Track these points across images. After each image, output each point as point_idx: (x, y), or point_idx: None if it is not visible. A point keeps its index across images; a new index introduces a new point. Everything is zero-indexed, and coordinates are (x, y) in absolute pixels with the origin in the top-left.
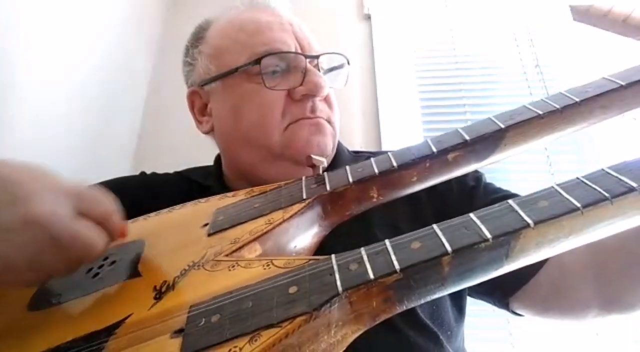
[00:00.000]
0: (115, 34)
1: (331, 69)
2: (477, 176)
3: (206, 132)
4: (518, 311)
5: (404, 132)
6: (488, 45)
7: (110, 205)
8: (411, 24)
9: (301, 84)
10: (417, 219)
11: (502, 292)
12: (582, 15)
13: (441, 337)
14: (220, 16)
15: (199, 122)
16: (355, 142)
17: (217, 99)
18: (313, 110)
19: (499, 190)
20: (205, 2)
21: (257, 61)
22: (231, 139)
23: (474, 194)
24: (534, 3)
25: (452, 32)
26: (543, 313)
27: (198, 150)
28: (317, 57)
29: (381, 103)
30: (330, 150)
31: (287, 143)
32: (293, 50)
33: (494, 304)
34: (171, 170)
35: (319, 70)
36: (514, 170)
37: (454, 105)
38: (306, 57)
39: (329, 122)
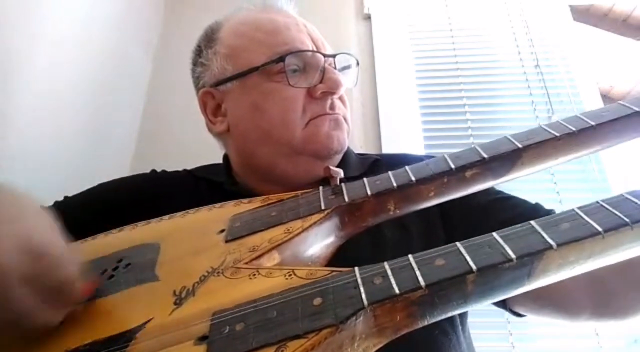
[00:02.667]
0: (115, 34)
1: (340, 69)
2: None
3: (220, 133)
4: (514, 309)
5: (403, 132)
6: (488, 45)
7: (67, 276)
8: (411, 24)
9: (321, 82)
10: (425, 219)
11: None
12: (582, 15)
13: (447, 326)
14: (231, 17)
15: (212, 123)
16: (356, 142)
17: (235, 98)
18: (332, 107)
19: (499, 192)
20: (204, 3)
21: (281, 59)
22: (250, 137)
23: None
24: (534, 3)
25: (452, 31)
26: (538, 311)
27: (198, 150)
28: (334, 56)
29: (381, 103)
30: (346, 146)
31: (308, 138)
32: (311, 49)
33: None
34: (171, 170)
35: (335, 68)
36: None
37: (454, 106)
38: (324, 56)
39: (345, 119)
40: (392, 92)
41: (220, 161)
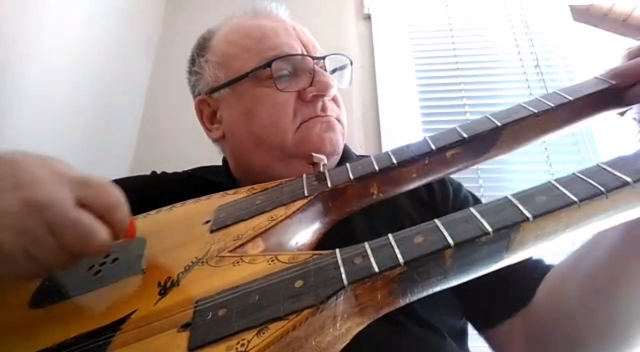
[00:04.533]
0: (115, 35)
1: (334, 70)
2: (467, 195)
3: (217, 139)
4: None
5: (403, 132)
6: (488, 45)
7: (116, 197)
8: (411, 24)
9: (311, 85)
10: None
11: (481, 322)
12: (582, 15)
13: (443, 331)
14: (223, 25)
15: (208, 130)
16: (356, 142)
17: (228, 105)
18: (324, 109)
19: None
20: (204, 4)
21: (268, 65)
22: (244, 143)
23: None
24: (534, 3)
25: (452, 32)
26: None
27: (197, 151)
28: (324, 58)
29: (381, 103)
30: (341, 147)
31: (300, 141)
32: (300, 52)
33: (476, 329)
34: (171, 172)
35: (325, 70)
36: (514, 170)
37: (454, 106)
38: (313, 58)
39: (339, 120)
40: (392, 92)
41: (220, 163)
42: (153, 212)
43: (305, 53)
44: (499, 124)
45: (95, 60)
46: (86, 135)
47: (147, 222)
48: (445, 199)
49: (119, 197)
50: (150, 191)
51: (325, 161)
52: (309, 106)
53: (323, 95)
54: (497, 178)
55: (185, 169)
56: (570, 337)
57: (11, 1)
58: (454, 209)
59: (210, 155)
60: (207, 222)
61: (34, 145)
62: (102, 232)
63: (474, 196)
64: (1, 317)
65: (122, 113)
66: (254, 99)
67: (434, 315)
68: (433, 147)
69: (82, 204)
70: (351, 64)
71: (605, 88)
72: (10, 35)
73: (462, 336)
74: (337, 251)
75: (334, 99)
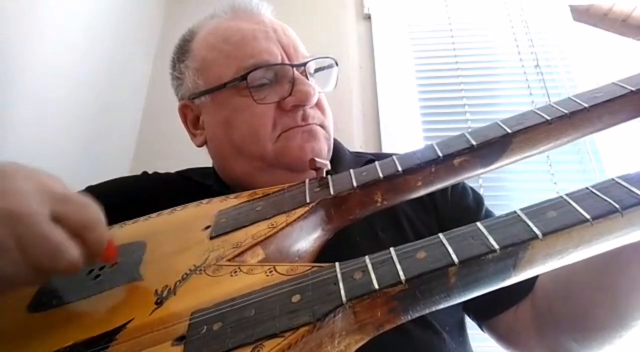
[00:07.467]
0: (115, 35)
1: (318, 70)
2: (478, 198)
3: (200, 145)
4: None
5: (403, 132)
6: (488, 45)
7: (94, 216)
8: (411, 24)
9: (290, 94)
10: (420, 222)
11: (476, 315)
12: (582, 15)
13: (442, 331)
14: (203, 26)
15: (192, 135)
16: (356, 142)
17: (209, 112)
18: (304, 118)
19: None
20: (204, 3)
21: (244, 77)
22: (225, 151)
23: (472, 218)
24: (534, 3)
25: (452, 32)
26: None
27: (197, 152)
28: (304, 64)
29: (381, 103)
30: (326, 154)
31: (280, 151)
32: (279, 59)
33: (475, 320)
34: (171, 171)
35: (307, 76)
36: (515, 178)
37: (454, 106)
38: (293, 66)
39: (322, 126)
40: (392, 92)
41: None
42: (154, 215)
43: (285, 59)
44: (509, 130)
45: (95, 60)
46: (86, 135)
47: (147, 226)
48: (444, 196)
49: (97, 216)
50: (142, 191)
51: (329, 167)
52: (289, 115)
53: (303, 105)
54: (498, 178)
55: (186, 167)
56: (578, 308)
57: (12, 1)
58: (453, 202)
59: (209, 156)
60: (207, 227)
61: (35, 146)
62: (72, 250)
63: (472, 189)
64: (1, 320)
65: (122, 113)
66: (233, 108)
67: (432, 313)
68: (440, 154)
69: (58, 220)
70: (336, 64)
71: (623, 95)
72: (11, 36)
73: (462, 330)
74: (337, 264)
75: (318, 104)
